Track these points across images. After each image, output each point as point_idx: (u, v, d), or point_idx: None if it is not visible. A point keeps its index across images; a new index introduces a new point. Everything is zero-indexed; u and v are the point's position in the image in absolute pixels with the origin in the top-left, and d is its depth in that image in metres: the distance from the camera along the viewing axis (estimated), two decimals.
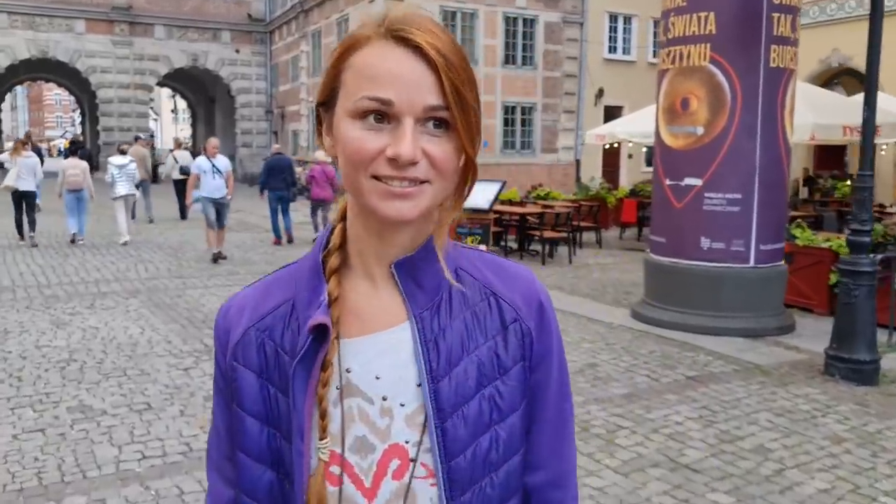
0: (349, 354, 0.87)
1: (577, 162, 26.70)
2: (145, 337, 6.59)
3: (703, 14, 7.03)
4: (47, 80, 42.83)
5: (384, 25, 0.82)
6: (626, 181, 25.39)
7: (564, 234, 12.20)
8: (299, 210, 13.37)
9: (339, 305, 0.87)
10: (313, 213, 13.11)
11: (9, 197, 12.00)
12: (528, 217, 12.35)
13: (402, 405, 0.86)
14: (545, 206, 13.48)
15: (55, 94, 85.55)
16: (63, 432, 4.40)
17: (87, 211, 12.46)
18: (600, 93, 26.65)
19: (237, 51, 32.76)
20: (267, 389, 0.88)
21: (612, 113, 26.95)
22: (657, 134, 7.73)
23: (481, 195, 10.88)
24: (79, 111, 49.62)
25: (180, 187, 15.56)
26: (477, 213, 10.75)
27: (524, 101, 25.42)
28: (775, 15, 6.95)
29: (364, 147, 0.81)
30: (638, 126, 14.17)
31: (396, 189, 0.81)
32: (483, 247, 11.30)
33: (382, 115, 0.80)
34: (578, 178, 26.38)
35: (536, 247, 12.57)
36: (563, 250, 12.44)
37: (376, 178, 0.81)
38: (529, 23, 25.07)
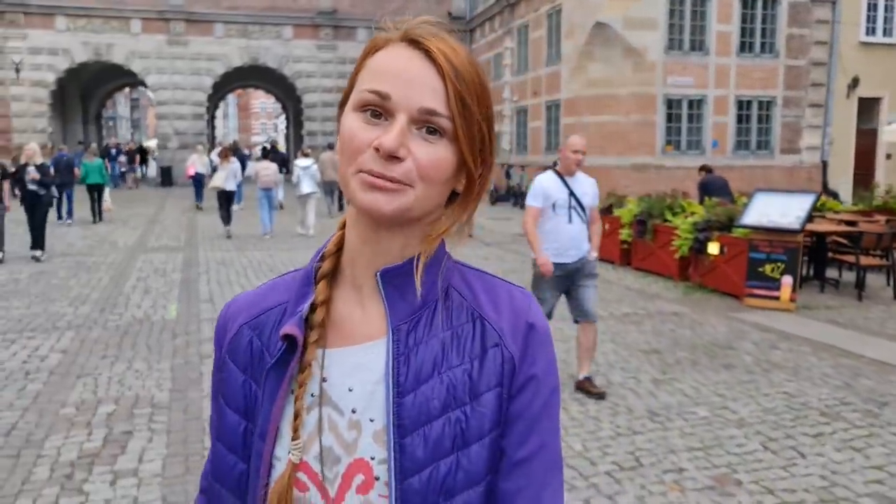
0: (329, 364, 0.86)
1: (824, 164, 22.91)
2: None
3: None
4: (256, 87, 44.58)
5: (402, 31, 0.83)
6: (884, 186, 21.31)
7: (883, 261, 9.33)
8: None
9: (326, 311, 0.87)
10: None
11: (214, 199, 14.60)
12: (835, 237, 9.58)
13: (371, 420, 0.83)
14: (841, 221, 10.62)
15: (261, 103, 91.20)
16: None
17: (275, 207, 14.74)
18: (854, 83, 22.71)
19: None
20: (249, 386, 0.88)
21: (867, 106, 23.01)
22: None
23: (783, 211, 8.34)
24: (283, 116, 51.59)
25: (335, 188, 17.98)
26: (779, 235, 8.19)
27: (762, 95, 22.13)
28: None
29: (356, 136, 0.81)
30: None
31: (377, 181, 0.79)
32: (788, 278, 8.80)
33: (381, 110, 0.80)
34: (825, 184, 22.61)
35: (833, 273, 9.80)
36: (871, 280, 9.56)
37: (361, 172, 0.80)
38: (770, 4, 21.74)
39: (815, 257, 9.77)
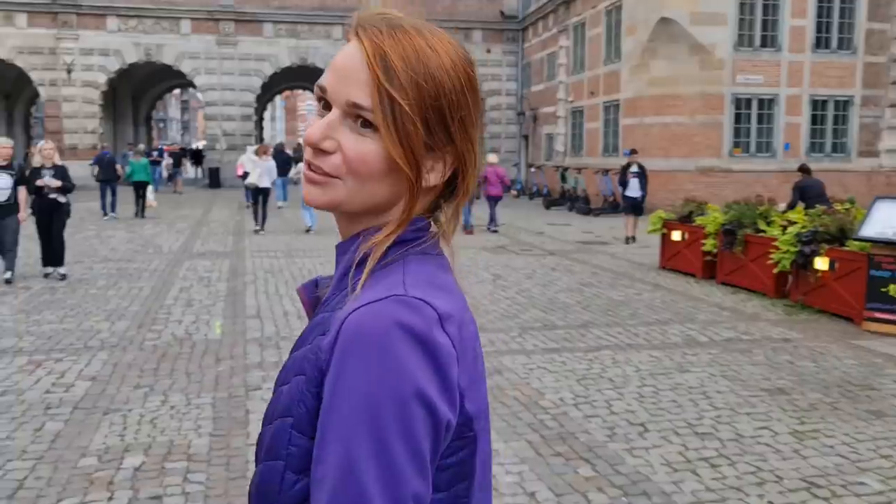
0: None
1: None
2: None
3: None
4: (304, 89, 44.25)
5: (353, 24, 0.82)
6: None
7: None
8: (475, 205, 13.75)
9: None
10: (490, 207, 15.77)
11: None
12: None
13: None
14: None
15: (307, 105, 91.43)
16: None
17: None
18: None
19: (488, 50, 30.96)
20: None
21: None
22: None
23: (890, 221, 7.22)
24: None
25: None
26: (891, 248, 7.10)
27: (838, 94, 20.77)
28: None
29: (308, 129, 0.83)
30: None
31: (310, 174, 0.83)
32: None
33: (327, 103, 0.82)
34: None
35: None
36: None
37: (306, 163, 0.84)
38: None
39: None
